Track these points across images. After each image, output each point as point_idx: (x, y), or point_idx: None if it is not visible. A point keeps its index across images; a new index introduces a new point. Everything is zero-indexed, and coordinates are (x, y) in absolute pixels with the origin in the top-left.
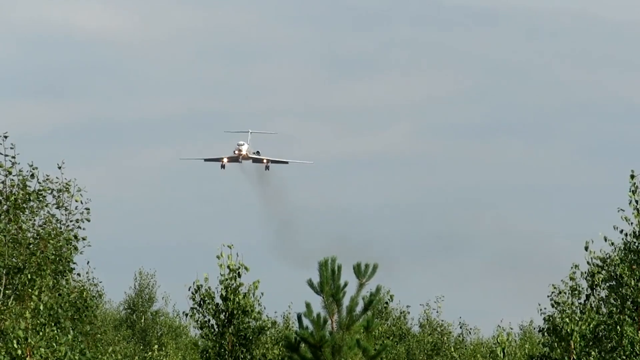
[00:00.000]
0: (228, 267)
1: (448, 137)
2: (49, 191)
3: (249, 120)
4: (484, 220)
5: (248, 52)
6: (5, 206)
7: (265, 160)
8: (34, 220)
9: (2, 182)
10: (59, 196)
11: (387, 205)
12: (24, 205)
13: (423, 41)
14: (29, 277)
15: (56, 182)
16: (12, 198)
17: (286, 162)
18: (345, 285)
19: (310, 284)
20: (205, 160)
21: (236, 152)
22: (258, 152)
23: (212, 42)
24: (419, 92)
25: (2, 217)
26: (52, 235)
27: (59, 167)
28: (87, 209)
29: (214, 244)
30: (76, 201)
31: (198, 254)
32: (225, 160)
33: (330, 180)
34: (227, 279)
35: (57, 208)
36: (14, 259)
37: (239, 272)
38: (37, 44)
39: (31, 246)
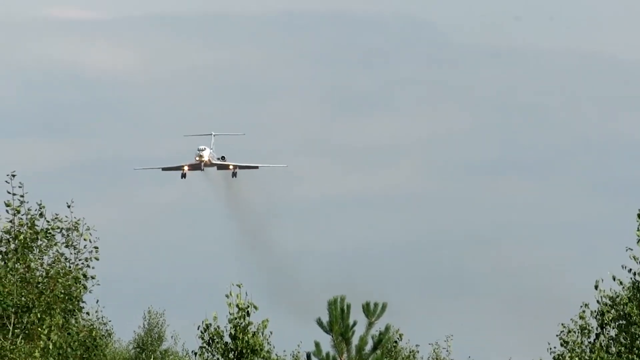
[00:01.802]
0: (237, 305)
1: (455, 175)
2: (58, 230)
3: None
4: (492, 259)
5: (253, 90)
6: (13, 245)
7: (231, 167)
8: (43, 259)
9: (11, 221)
10: (68, 235)
11: (393, 244)
12: (33, 244)
13: (429, 79)
14: (38, 316)
15: (65, 221)
16: (21, 237)
17: (256, 167)
18: (355, 324)
19: (320, 323)
20: (163, 169)
21: (197, 158)
22: (223, 158)
23: (217, 81)
24: (425, 130)
25: (11, 256)
26: (61, 274)
27: (68, 206)
28: (96, 247)
29: (222, 283)
30: (85, 240)
31: (207, 292)
32: (186, 168)
33: (335, 218)
34: (236, 318)
35: (66, 247)
36: (23, 298)
37: (248, 311)
38: (44, 83)
39: (40, 285)
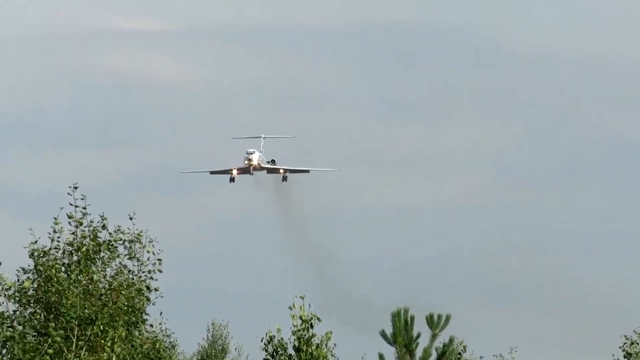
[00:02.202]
0: (300, 317)
1: (518, 185)
2: (121, 242)
3: (304, 159)
4: (556, 269)
5: (310, 100)
6: (76, 257)
7: (282, 170)
8: (106, 271)
9: (73, 233)
10: (130, 247)
11: (456, 255)
12: (95, 256)
13: (492, 89)
14: (102, 328)
15: (127, 233)
16: (83, 249)
17: (307, 171)
18: (418, 336)
19: (383, 334)
20: (212, 173)
21: (246, 161)
22: (273, 161)
23: (277, 92)
24: (485, 139)
25: (74, 268)
26: (124, 286)
27: (130, 218)
28: (159, 259)
29: (285, 294)
30: (148, 252)
31: (270, 304)
32: (234, 172)
33: (395, 228)
34: (299, 330)
35: (129, 259)
36: (86, 310)
37: (311, 323)
38: (108, 94)
39: (103, 297)
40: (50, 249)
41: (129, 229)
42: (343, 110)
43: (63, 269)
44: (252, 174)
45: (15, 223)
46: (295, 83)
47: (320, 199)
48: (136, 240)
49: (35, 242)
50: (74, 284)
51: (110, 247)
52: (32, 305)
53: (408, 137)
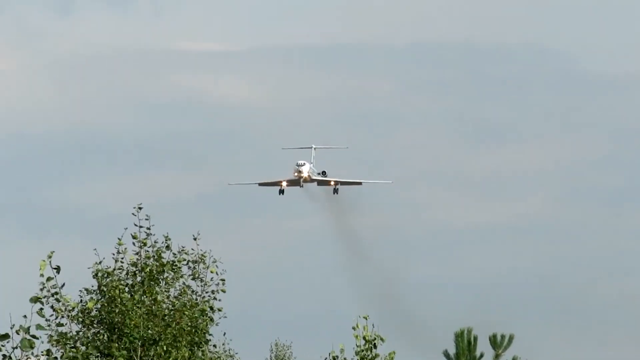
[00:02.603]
0: (364, 338)
1: (584, 204)
2: (185, 262)
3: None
4: (620, 289)
5: (379, 119)
6: (139, 277)
7: (332, 182)
8: (170, 291)
9: (137, 254)
10: (194, 267)
11: (519, 274)
12: (159, 276)
13: (559, 108)
14: (165, 349)
15: (191, 254)
16: (147, 269)
17: (359, 183)
18: (481, 356)
19: (446, 354)
20: (260, 184)
21: (295, 174)
22: (324, 173)
23: (342, 110)
24: (554, 159)
25: (137, 288)
26: (188, 307)
27: (195, 239)
28: (223, 280)
29: (349, 314)
30: (211, 272)
31: (332, 323)
32: (284, 184)
33: (460, 248)
34: (363, 350)
35: (193, 279)
36: (149, 331)
37: (374, 343)
38: (172, 114)
39: (166, 318)
40: (114, 269)
41: (192, 249)
42: (410, 129)
43: (127, 289)
44: (302, 186)
45: (79, 244)
46: (363, 100)
47: (380, 215)
48: (200, 260)
49: (100, 262)
50: (137, 305)
51: (174, 267)
52: (95, 325)
53: (476, 156)
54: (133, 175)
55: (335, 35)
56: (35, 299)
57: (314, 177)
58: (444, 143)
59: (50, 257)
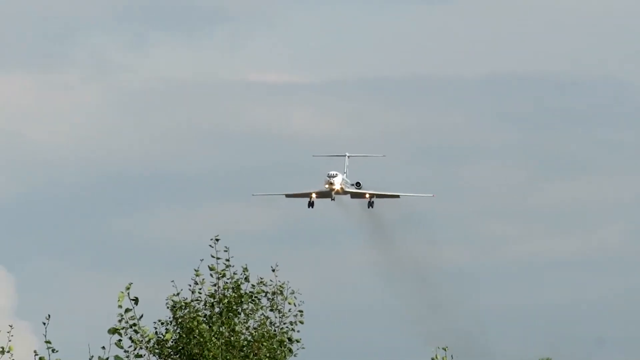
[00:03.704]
0: None
1: None
2: (263, 294)
3: (450, 219)
4: None
5: (452, 152)
6: (218, 309)
7: (368, 195)
8: (248, 322)
9: (215, 285)
10: (273, 299)
11: (593, 304)
12: (238, 307)
13: (633, 141)
14: None
15: (270, 285)
16: (225, 301)
17: (397, 196)
18: None
19: None
20: (287, 196)
21: (327, 185)
22: (358, 184)
23: (420, 143)
24: (629, 192)
25: (215, 319)
26: (266, 338)
27: (273, 270)
28: (301, 311)
29: (424, 345)
30: (289, 303)
31: (409, 354)
32: (314, 196)
33: (532, 280)
34: None
35: (271, 310)
36: None
37: None
38: (245, 146)
39: (245, 349)
40: (191, 300)
41: (271, 280)
42: (482, 161)
43: (205, 320)
44: (333, 199)
45: (156, 275)
46: (435, 133)
47: (454, 248)
48: (278, 292)
49: (178, 294)
50: (215, 336)
51: (253, 299)
52: (172, 357)
53: (549, 188)
54: (211, 208)
55: (406, 67)
56: (113, 330)
57: (347, 189)
58: (517, 174)
59: (128, 288)
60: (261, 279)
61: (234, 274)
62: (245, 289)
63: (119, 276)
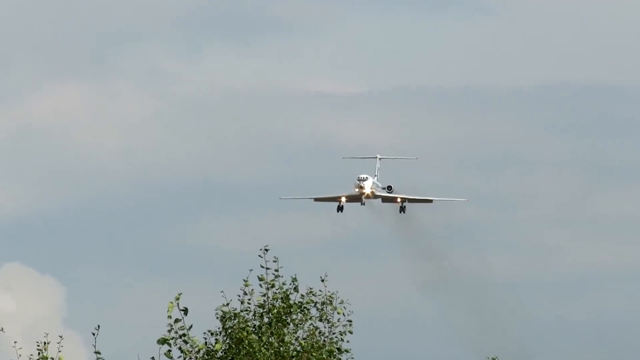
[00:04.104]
0: None
1: None
2: (312, 304)
3: (510, 231)
4: None
5: (512, 161)
6: (267, 319)
7: (399, 200)
8: (297, 333)
9: (264, 295)
10: (322, 309)
11: None
12: (287, 318)
13: None
14: None
15: (319, 295)
16: (275, 311)
17: (430, 201)
18: None
19: None
20: (316, 200)
21: (357, 189)
22: (390, 188)
23: (475, 153)
24: None
25: (265, 330)
26: (315, 348)
27: (322, 280)
28: (350, 321)
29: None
30: (338, 313)
31: None
32: (343, 200)
33: (588, 292)
34: None
35: (320, 320)
36: None
37: None
38: (297, 156)
39: (294, 359)
40: (241, 311)
41: (320, 290)
42: (537, 170)
43: (254, 330)
44: (363, 203)
45: (205, 285)
46: (490, 143)
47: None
48: (327, 302)
49: (227, 304)
50: (265, 346)
51: (302, 309)
52: None
53: (604, 197)
54: (260, 218)
55: (461, 77)
56: (162, 341)
57: (378, 193)
58: (573, 184)
59: (177, 299)
60: (310, 289)
61: (283, 284)
62: (295, 299)
63: (169, 286)
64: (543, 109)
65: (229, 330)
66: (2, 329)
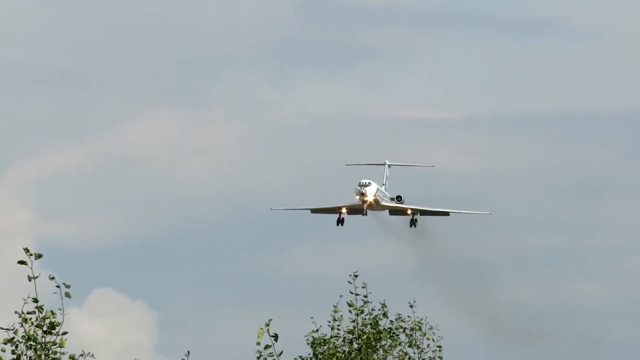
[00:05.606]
0: None
1: None
2: (401, 330)
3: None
4: None
5: (593, 186)
6: (356, 345)
7: (409, 211)
8: (387, 359)
9: (354, 321)
10: (411, 334)
11: None
12: (376, 344)
13: None
14: None
15: (408, 321)
16: (364, 337)
17: (446, 214)
18: None
19: None
20: (313, 211)
21: (358, 196)
22: (399, 198)
23: (559, 178)
24: None
25: (354, 355)
26: None
27: (411, 306)
28: (439, 346)
29: None
30: (428, 339)
31: None
32: (344, 211)
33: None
34: None
35: (410, 346)
36: None
37: None
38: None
39: None
40: (331, 337)
41: (409, 316)
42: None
43: (343, 356)
44: (365, 213)
45: (295, 312)
46: (576, 169)
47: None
48: (416, 327)
49: (317, 330)
50: None
51: (391, 335)
52: None
53: None
54: (350, 245)
55: (546, 102)
56: None
57: (383, 203)
58: None
59: (268, 325)
60: (399, 314)
61: (372, 310)
62: (384, 325)
63: (259, 313)
64: (626, 134)
65: (319, 356)
66: (93, 355)
